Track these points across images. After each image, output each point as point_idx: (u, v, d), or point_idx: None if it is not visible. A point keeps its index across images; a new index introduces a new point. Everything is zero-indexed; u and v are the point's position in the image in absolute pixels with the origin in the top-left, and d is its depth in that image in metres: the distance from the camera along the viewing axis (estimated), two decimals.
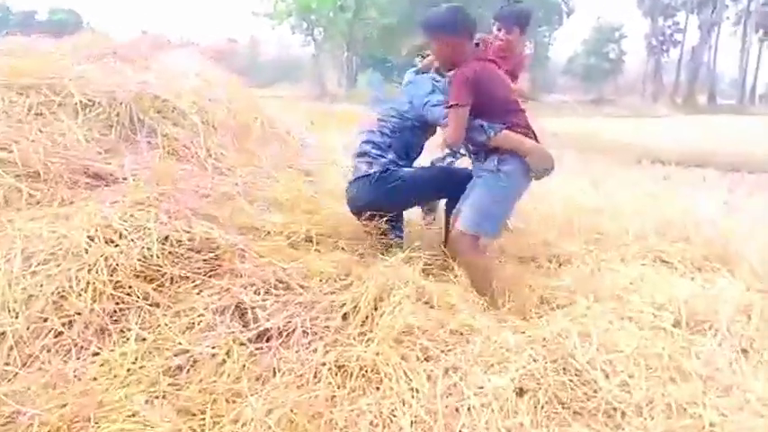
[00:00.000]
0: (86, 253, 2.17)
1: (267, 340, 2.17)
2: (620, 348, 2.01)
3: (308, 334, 2.19)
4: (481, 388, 1.88)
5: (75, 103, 3.10)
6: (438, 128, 2.89)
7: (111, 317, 2.09)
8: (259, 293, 2.28)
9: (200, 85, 3.79)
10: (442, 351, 2.14)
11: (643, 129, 17.32)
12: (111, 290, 2.11)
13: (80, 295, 2.07)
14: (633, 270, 2.68)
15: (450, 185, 2.88)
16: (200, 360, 1.99)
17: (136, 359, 1.97)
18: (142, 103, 3.31)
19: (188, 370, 1.97)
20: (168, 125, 3.36)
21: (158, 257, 2.24)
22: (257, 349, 2.11)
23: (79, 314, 2.04)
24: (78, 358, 1.96)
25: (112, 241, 2.26)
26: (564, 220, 3.47)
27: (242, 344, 2.12)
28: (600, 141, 13.87)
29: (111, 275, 2.15)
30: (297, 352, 2.12)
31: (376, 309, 2.35)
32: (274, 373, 2.00)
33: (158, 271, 2.24)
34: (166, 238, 2.32)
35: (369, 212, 2.84)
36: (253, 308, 2.22)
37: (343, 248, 2.84)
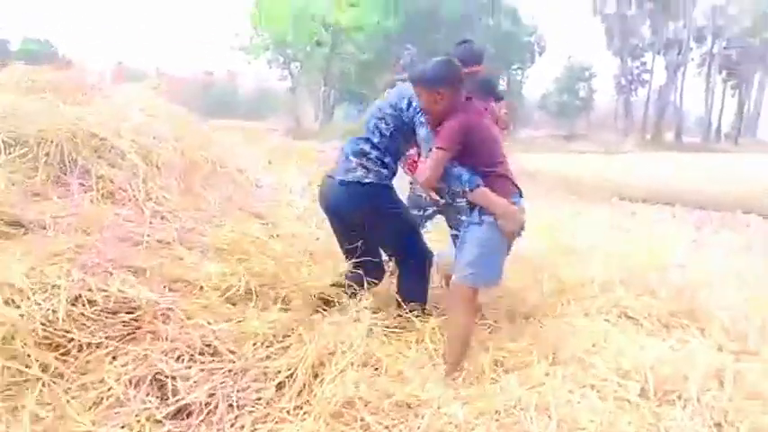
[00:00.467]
0: None
1: (187, 416, 1.91)
2: (582, 426, 1.80)
3: (234, 408, 1.94)
4: None
5: None
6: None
7: (1, 393, 1.81)
8: (182, 361, 2.03)
9: (144, 121, 3.56)
10: (386, 427, 1.90)
11: (613, 165, 17.55)
12: (3, 361, 1.83)
13: None
14: (597, 327, 2.49)
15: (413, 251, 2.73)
16: None
17: None
18: (76, 142, 3.07)
19: None
20: (104, 166, 3.12)
21: (66, 321, 1.98)
22: (175, 428, 1.85)
23: None
24: None
25: (13, 302, 1.99)
26: (527, 267, 3.29)
27: (157, 421, 1.86)
28: (571, 178, 13.97)
29: (8, 343, 1.88)
30: (219, 430, 1.86)
31: (316, 376, 2.11)
32: None
33: (65, 336, 1.97)
34: (78, 297, 2.06)
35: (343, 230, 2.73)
36: (173, 378, 1.96)
37: (285, 303, 2.60)
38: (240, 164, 4.38)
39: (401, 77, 3.07)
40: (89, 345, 1.98)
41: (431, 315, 2.65)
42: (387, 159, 2.64)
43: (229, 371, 2.03)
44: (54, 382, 1.87)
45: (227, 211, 3.49)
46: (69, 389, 1.87)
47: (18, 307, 1.97)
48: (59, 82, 3.55)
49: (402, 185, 3.20)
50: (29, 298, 1.99)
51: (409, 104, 2.60)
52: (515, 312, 2.74)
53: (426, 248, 2.78)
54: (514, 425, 1.85)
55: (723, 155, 25.37)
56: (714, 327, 2.51)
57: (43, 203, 2.74)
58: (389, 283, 2.93)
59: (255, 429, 1.88)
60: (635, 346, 2.30)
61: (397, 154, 2.76)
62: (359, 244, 2.65)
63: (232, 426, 1.89)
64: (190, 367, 2.01)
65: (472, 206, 2.46)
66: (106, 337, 2.01)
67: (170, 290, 2.37)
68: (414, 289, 2.73)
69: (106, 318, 2.06)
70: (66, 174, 2.97)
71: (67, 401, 1.82)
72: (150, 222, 2.96)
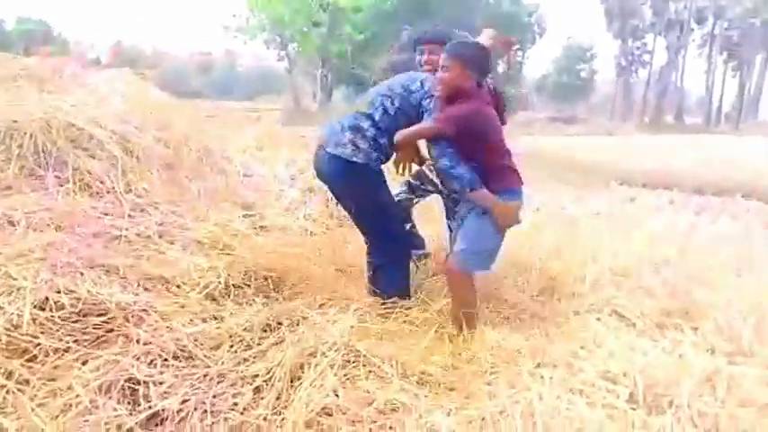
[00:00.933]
0: None
1: (160, 423, 1.84)
2: None
3: (209, 415, 1.87)
4: None
5: None
6: None
7: None
8: (155, 365, 1.95)
9: (125, 109, 3.45)
10: None
11: (612, 148, 17.41)
12: None
13: None
14: (587, 328, 2.41)
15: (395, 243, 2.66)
16: None
17: None
18: (51, 133, 2.96)
19: None
20: (82, 157, 3.02)
21: (31, 325, 1.89)
22: None
23: None
24: None
25: None
26: (519, 260, 3.21)
27: (128, 429, 1.78)
28: (570, 161, 13.87)
29: None
30: None
31: (297, 380, 2.04)
32: None
33: (32, 342, 1.89)
34: (46, 299, 1.98)
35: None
36: (145, 384, 1.89)
37: (267, 297, 2.53)
38: (228, 151, 4.28)
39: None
40: (57, 350, 1.90)
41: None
42: (382, 140, 2.54)
43: (204, 375, 1.96)
44: (19, 390, 1.80)
45: (212, 203, 3.41)
46: (35, 396, 1.79)
47: None
48: (34, 69, 3.42)
49: None
50: None
51: (421, 87, 2.53)
52: (502, 312, 2.65)
53: (408, 239, 2.70)
54: None
55: (724, 136, 25.17)
56: (708, 326, 2.44)
57: (15, 197, 2.65)
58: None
59: None
60: (625, 347, 2.22)
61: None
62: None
63: None
64: (163, 372, 1.93)
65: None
66: (75, 342, 1.93)
67: (145, 289, 2.30)
68: (392, 281, 2.65)
69: (75, 321, 1.98)
70: (40, 166, 2.87)
71: (33, 410, 1.74)
72: (129, 215, 2.88)
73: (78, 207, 2.72)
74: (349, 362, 2.12)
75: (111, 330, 2.02)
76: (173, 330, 2.07)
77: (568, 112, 39.08)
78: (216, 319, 2.25)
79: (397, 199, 2.98)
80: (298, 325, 2.29)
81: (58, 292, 2.00)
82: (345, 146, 2.50)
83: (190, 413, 1.84)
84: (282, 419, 1.88)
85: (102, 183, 2.98)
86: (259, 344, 2.14)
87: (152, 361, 1.96)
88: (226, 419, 1.87)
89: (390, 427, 1.85)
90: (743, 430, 1.85)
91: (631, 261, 3.16)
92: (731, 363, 2.21)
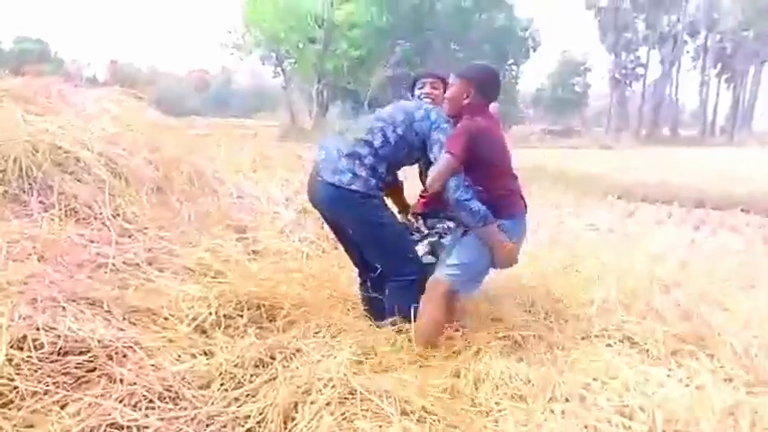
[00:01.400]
0: None
1: None
2: None
3: None
4: None
5: None
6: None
7: None
8: (139, 408, 1.82)
9: (115, 132, 3.34)
10: None
11: (609, 161, 17.39)
12: None
13: None
14: (598, 356, 2.30)
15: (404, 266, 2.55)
16: None
17: None
18: (36, 156, 2.85)
19: None
20: (68, 180, 2.91)
21: (8, 366, 1.77)
22: None
23: None
24: None
25: None
26: (520, 280, 3.10)
27: None
28: (566, 175, 13.80)
29: None
30: None
31: (291, 420, 1.91)
32: None
33: (7, 385, 1.76)
34: (23, 338, 1.85)
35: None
36: (128, 429, 1.76)
37: (260, 328, 2.40)
38: (221, 172, 4.17)
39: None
40: (34, 393, 1.77)
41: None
42: (380, 168, 2.46)
43: (192, 419, 1.82)
44: None
45: (204, 226, 3.29)
46: None
47: None
48: (20, 89, 3.32)
49: None
50: None
51: (427, 116, 2.47)
52: (508, 336, 2.53)
53: (418, 265, 2.59)
54: None
55: (720, 149, 25.25)
56: (724, 353, 2.32)
57: None
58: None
59: None
60: (640, 378, 2.10)
61: (395, 164, 2.60)
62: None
63: None
64: (148, 416, 1.80)
65: None
66: (54, 384, 1.80)
67: (131, 322, 2.17)
68: (401, 307, 2.53)
69: (55, 361, 1.85)
70: (24, 191, 2.75)
71: None
72: (117, 242, 2.76)
73: (63, 234, 2.60)
74: (346, 399, 2.00)
75: (94, 370, 1.89)
76: (159, 368, 1.94)
77: (563, 125, 39.28)
78: (206, 354, 2.12)
79: None
80: (291, 359, 2.16)
81: (37, 329, 1.87)
82: (343, 173, 2.41)
83: None
84: None
85: (88, 207, 2.86)
86: (251, 381, 2.02)
87: (136, 403, 1.83)
88: None
89: None
90: None
91: (638, 281, 3.05)
92: (751, 393, 2.10)
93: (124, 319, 2.15)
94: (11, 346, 1.82)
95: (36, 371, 1.81)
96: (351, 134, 2.53)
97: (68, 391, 1.81)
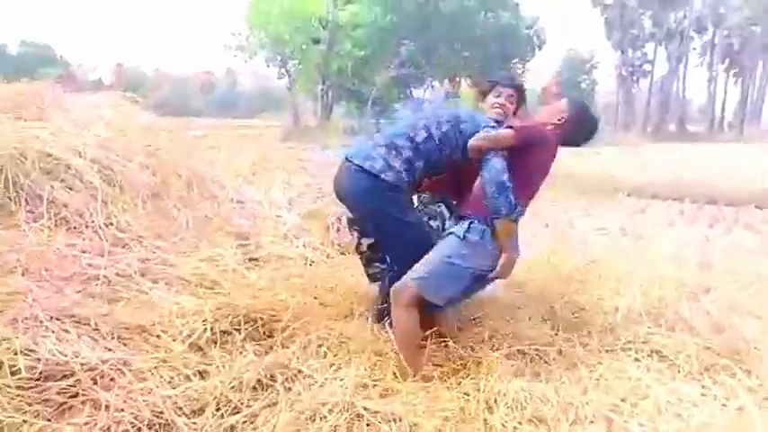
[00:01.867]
0: None
1: None
2: None
3: None
4: None
5: None
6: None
7: None
8: None
9: (108, 137, 3.20)
10: None
11: (617, 159, 17.15)
12: None
13: None
14: (625, 372, 2.12)
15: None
16: None
17: None
18: (25, 164, 2.71)
19: None
20: (58, 189, 2.76)
21: None
22: None
23: None
24: None
25: None
26: (536, 288, 2.92)
27: None
28: (576, 173, 13.58)
29: None
30: None
31: None
32: None
33: None
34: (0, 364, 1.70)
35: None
36: None
37: (259, 344, 2.24)
38: (220, 176, 4.02)
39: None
40: (11, 425, 1.62)
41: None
42: (417, 163, 2.31)
43: None
44: None
45: (202, 234, 3.14)
46: None
47: None
48: (13, 95, 3.18)
49: None
50: None
51: (472, 118, 2.38)
52: (522, 350, 2.34)
53: None
54: None
55: (730, 145, 24.92)
56: (762, 369, 2.14)
57: None
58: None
59: None
60: (673, 399, 1.93)
61: (433, 165, 2.38)
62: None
63: None
64: None
65: (463, 218, 2.35)
66: (33, 414, 1.65)
67: (121, 341, 2.02)
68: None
69: (34, 387, 1.70)
70: (12, 200, 2.61)
71: None
72: (109, 252, 2.61)
73: (52, 245, 2.45)
74: (352, 425, 1.83)
75: (77, 395, 1.74)
76: (149, 393, 1.79)
77: None
78: (200, 374, 1.97)
79: None
80: (293, 380, 2.00)
81: (15, 353, 1.72)
82: (375, 160, 2.26)
83: None
84: None
85: (80, 216, 2.72)
86: (249, 405, 1.86)
87: (123, 431, 1.68)
88: None
89: None
90: None
91: (663, 288, 2.86)
92: None
93: (113, 337, 2.00)
94: None
95: (13, 399, 1.66)
96: (390, 129, 2.45)
97: (49, 420, 1.66)
